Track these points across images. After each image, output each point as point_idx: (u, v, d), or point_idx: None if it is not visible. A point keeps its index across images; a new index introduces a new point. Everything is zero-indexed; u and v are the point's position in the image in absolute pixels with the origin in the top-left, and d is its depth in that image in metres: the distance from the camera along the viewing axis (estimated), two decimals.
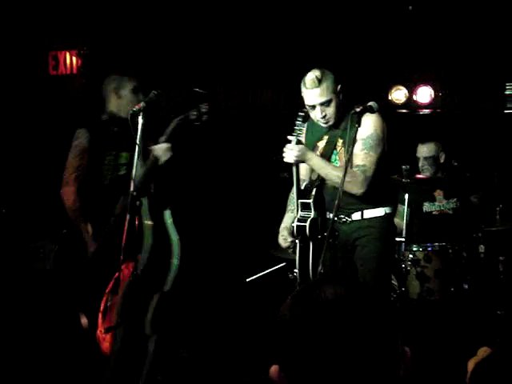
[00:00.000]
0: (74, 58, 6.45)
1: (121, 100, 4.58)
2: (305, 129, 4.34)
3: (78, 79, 6.47)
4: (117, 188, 4.38)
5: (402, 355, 1.31)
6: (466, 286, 5.30)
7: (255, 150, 6.70)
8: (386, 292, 4.38)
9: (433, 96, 6.84)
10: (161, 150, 4.26)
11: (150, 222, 4.22)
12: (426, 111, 6.98)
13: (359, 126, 3.88)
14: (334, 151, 4.20)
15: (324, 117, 4.12)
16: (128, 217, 3.92)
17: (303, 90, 4.13)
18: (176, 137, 4.34)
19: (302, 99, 4.20)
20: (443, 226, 5.57)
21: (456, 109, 6.91)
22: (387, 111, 5.53)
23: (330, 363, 1.24)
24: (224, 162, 6.67)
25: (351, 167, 3.99)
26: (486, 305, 5.25)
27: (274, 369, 1.33)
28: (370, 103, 3.96)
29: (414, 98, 6.88)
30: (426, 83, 6.84)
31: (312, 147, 4.27)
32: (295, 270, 5.07)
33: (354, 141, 3.92)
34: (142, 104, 4.02)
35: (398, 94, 6.93)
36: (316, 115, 4.14)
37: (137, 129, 3.96)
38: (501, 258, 5.55)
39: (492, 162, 6.75)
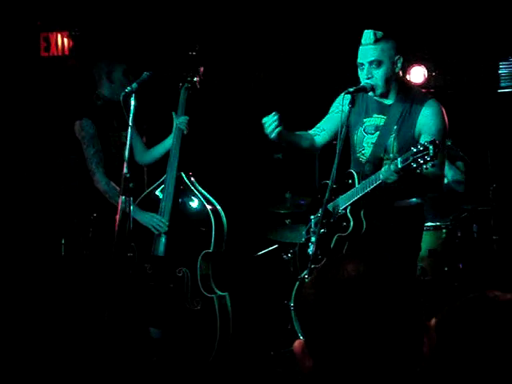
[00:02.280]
0: (65, 40, 6.41)
1: (113, 84, 4.68)
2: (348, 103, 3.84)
3: (69, 60, 6.45)
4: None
5: (425, 330, 1.32)
6: (461, 266, 5.31)
7: (248, 131, 6.67)
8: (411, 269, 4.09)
9: (426, 76, 6.83)
10: (183, 124, 4.55)
11: None
12: None
13: (353, 106, 3.80)
14: (391, 137, 3.90)
15: (369, 78, 3.82)
16: (121, 199, 3.92)
17: (360, 47, 3.88)
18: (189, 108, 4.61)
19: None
20: (434, 205, 5.57)
21: (449, 88, 6.89)
22: None
23: (353, 340, 1.24)
24: (216, 142, 6.65)
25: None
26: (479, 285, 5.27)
27: (298, 343, 1.33)
28: (364, 83, 3.92)
29: (408, 77, 6.87)
30: (419, 63, 6.82)
31: (355, 120, 4.02)
32: (291, 250, 5.07)
33: (346, 121, 3.84)
34: (133, 85, 4.02)
35: None
36: (362, 75, 3.86)
37: (129, 110, 3.96)
38: (494, 237, 5.57)
39: (485, 141, 6.75)
